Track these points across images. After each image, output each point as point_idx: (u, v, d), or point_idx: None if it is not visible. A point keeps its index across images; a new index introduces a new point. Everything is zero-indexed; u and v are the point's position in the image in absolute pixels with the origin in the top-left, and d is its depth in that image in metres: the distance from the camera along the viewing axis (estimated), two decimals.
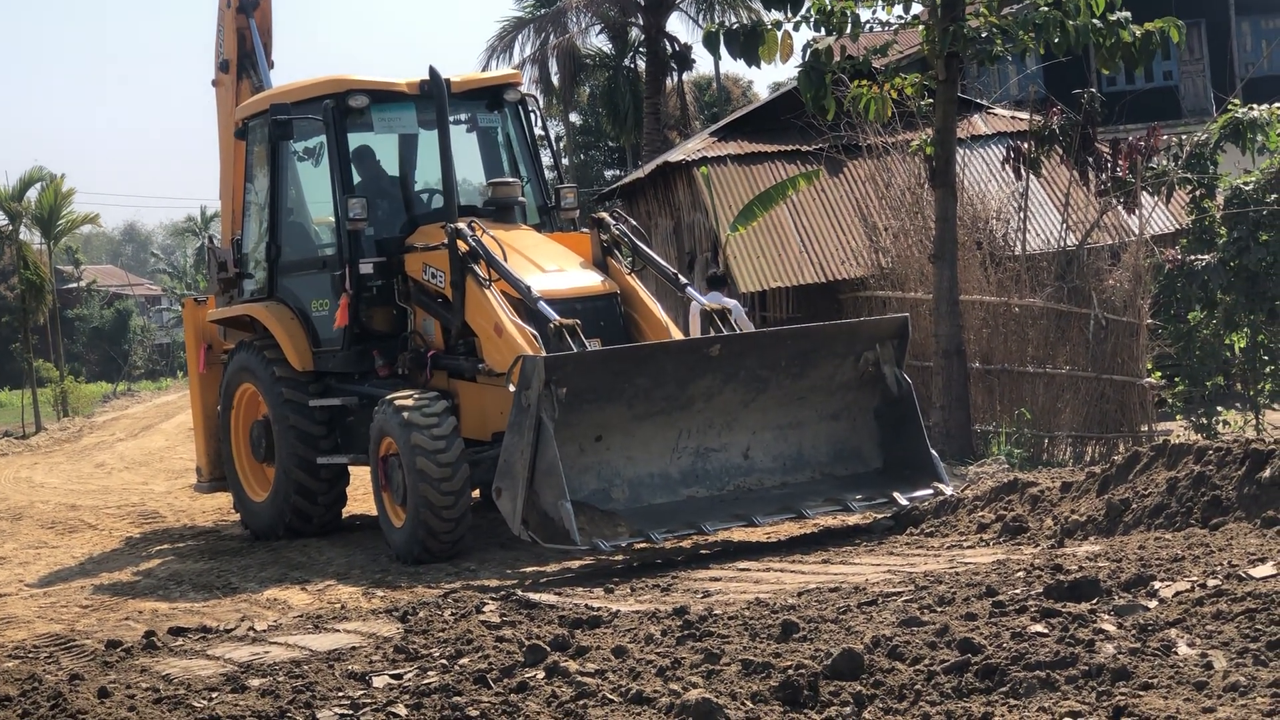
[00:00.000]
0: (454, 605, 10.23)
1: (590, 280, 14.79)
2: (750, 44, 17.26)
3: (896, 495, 13.36)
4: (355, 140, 16.05)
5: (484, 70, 50.39)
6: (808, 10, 17.22)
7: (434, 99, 15.47)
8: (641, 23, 49.94)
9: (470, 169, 16.78)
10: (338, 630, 9.98)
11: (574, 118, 64.05)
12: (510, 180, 16.02)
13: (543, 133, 16.91)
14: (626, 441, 12.99)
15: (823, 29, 17.58)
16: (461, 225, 14.61)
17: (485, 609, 9.91)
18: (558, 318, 13.54)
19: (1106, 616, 7.45)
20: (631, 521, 12.54)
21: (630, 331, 14.63)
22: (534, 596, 10.40)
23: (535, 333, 13.78)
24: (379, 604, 11.58)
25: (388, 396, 14.17)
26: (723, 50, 17.53)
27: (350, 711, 7.49)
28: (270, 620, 11.11)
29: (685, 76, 52.84)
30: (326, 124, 15.59)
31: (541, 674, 7.71)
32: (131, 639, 10.42)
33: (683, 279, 15.41)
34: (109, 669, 9.38)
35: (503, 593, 10.68)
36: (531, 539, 12.31)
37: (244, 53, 18.64)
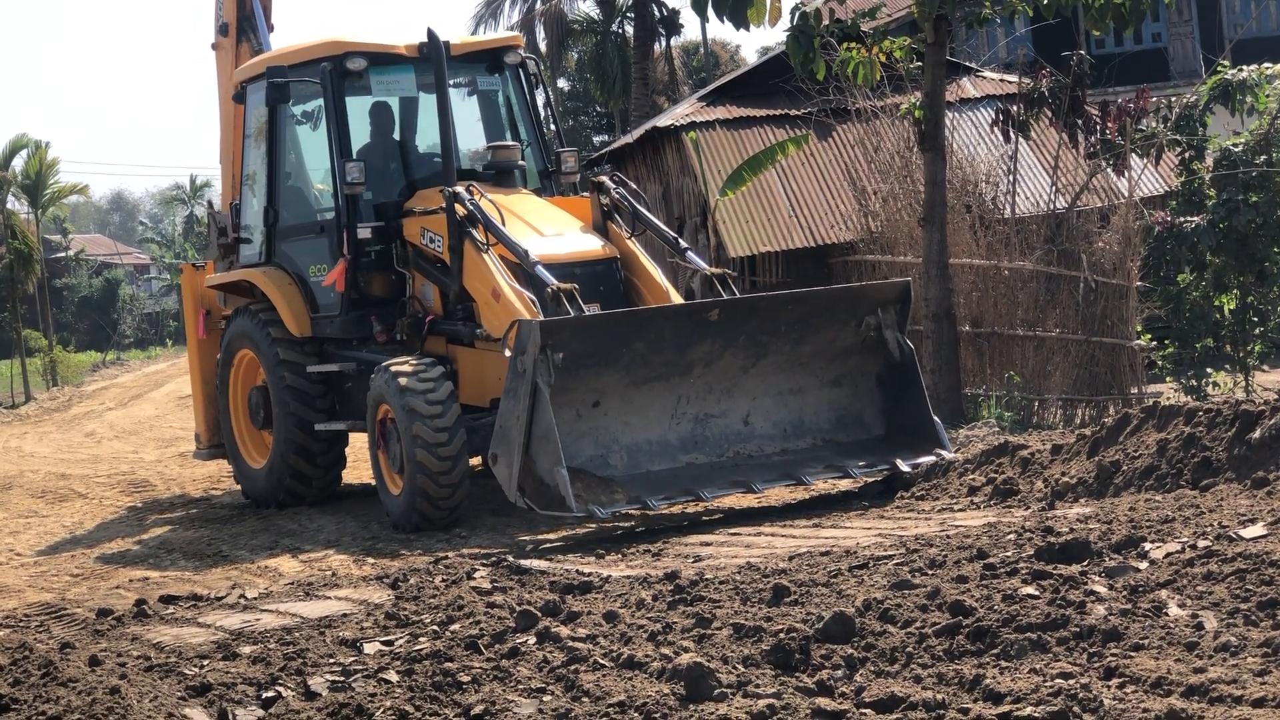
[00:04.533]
0: (445, 572, 10.23)
1: (590, 245, 14.68)
2: (739, 7, 17.18)
3: (899, 462, 13.26)
4: (362, 102, 15.92)
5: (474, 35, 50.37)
6: None
7: (433, 61, 15.30)
8: None
9: (470, 133, 16.60)
10: (329, 597, 9.98)
11: (562, 83, 63.93)
12: (510, 144, 15.90)
13: (544, 96, 16.75)
14: (624, 407, 12.90)
15: None
16: (460, 189, 14.49)
17: (476, 575, 9.91)
18: (555, 282, 13.42)
19: (1097, 578, 7.46)
20: (629, 488, 12.48)
21: (630, 296, 14.51)
22: (525, 562, 10.40)
23: (533, 297, 13.69)
24: (370, 571, 11.59)
25: (384, 363, 14.09)
26: (711, 14, 17.45)
27: (342, 678, 7.49)
28: (261, 588, 11.11)
29: (673, 41, 52.84)
30: (324, 87, 15.46)
31: (533, 639, 7.72)
32: (122, 607, 10.42)
33: (683, 243, 15.28)
34: (100, 637, 9.38)
35: (494, 559, 10.68)
36: (528, 505, 12.25)
37: (243, 15, 18.47)
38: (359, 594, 9.95)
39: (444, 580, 9.86)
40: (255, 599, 10.32)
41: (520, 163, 15.95)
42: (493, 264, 14.04)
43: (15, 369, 49.12)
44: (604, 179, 15.34)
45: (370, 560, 12.52)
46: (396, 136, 16.22)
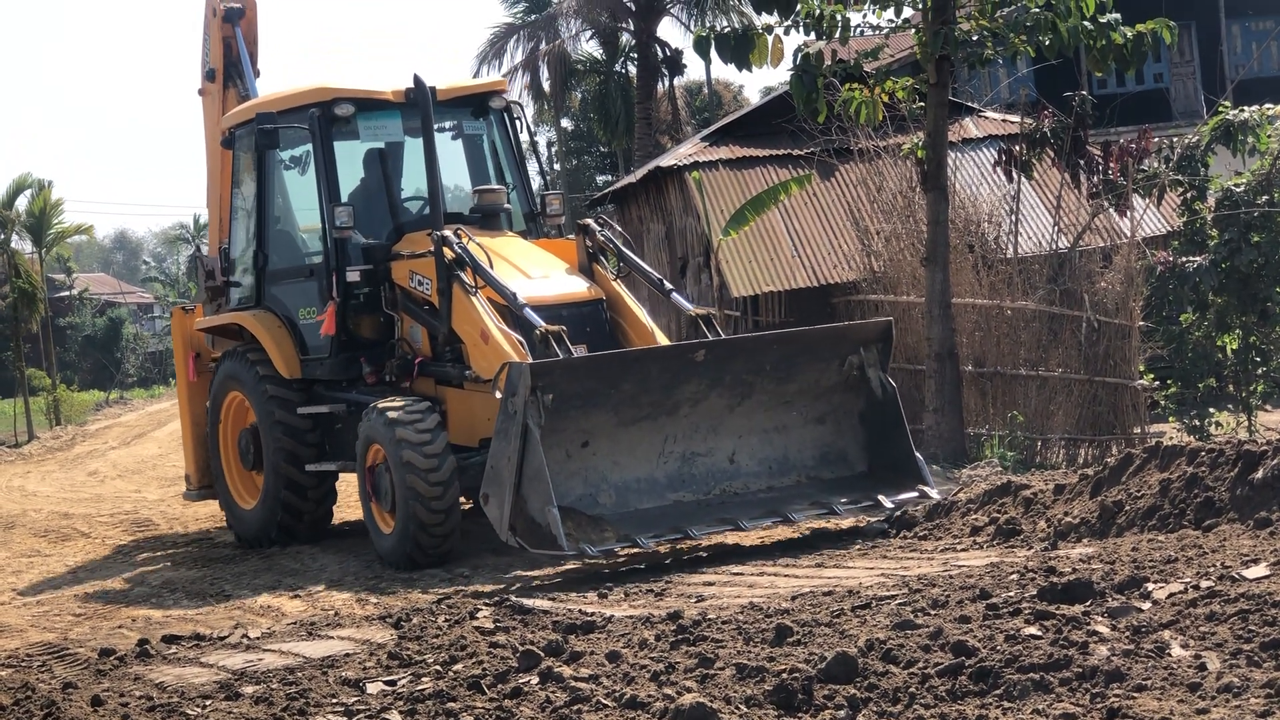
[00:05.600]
0: (448, 611, 10.23)
1: (576, 286, 14.85)
2: (741, 48, 17.25)
3: (882, 498, 13.46)
4: (349, 146, 16.07)
5: (475, 77, 50.50)
6: (799, 15, 17.21)
7: (419, 107, 15.42)
8: (632, 28, 49.99)
9: (456, 176, 16.80)
10: (331, 637, 9.98)
11: (565, 123, 64.04)
12: (496, 187, 16.09)
13: (528, 139, 16.94)
14: (613, 447, 13.05)
15: (814, 33, 17.60)
16: (448, 233, 14.62)
17: (479, 615, 9.91)
18: (543, 324, 13.56)
19: (1100, 618, 7.45)
20: (619, 526, 12.63)
21: (616, 337, 14.67)
22: (528, 602, 10.39)
23: (521, 339, 13.81)
24: (373, 610, 11.58)
25: (375, 403, 14.21)
26: (714, 55, 17.52)
27: (344, 718, 7.49)
28: (264, 627, 11.11)
29: (676, 81, 52.85)
30: (312, 133, 15.65)
31: (535, 679, 7.72)
32: (125, 647, 10.41)
33: (668, 284, 15.42)
34: (102, 677, 9.38)
35: (496, 598, 10.67)
36: (519, 545, 12.36)
37: (230, 61, 18.62)
38: (362, 633, 9.94)
39: (447, 620, 9.86)
40: (258, 639, 10.32)
41: (506, 205, 16.11)
42: (481, 306, 14.20)
43: (19, 408, 49.11)
44: (589, 221, 15.56)
45: (373, 600, 12.51)
46: (383, 181, 16.28)
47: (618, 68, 53.32)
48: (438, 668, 8.34)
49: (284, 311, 16.23)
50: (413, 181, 16.49)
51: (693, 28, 48.48)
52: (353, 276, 15.37)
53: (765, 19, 17.25)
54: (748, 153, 27.45)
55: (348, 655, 9.12)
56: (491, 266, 14.40)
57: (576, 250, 15.38)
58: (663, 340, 14.67)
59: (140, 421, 44.69)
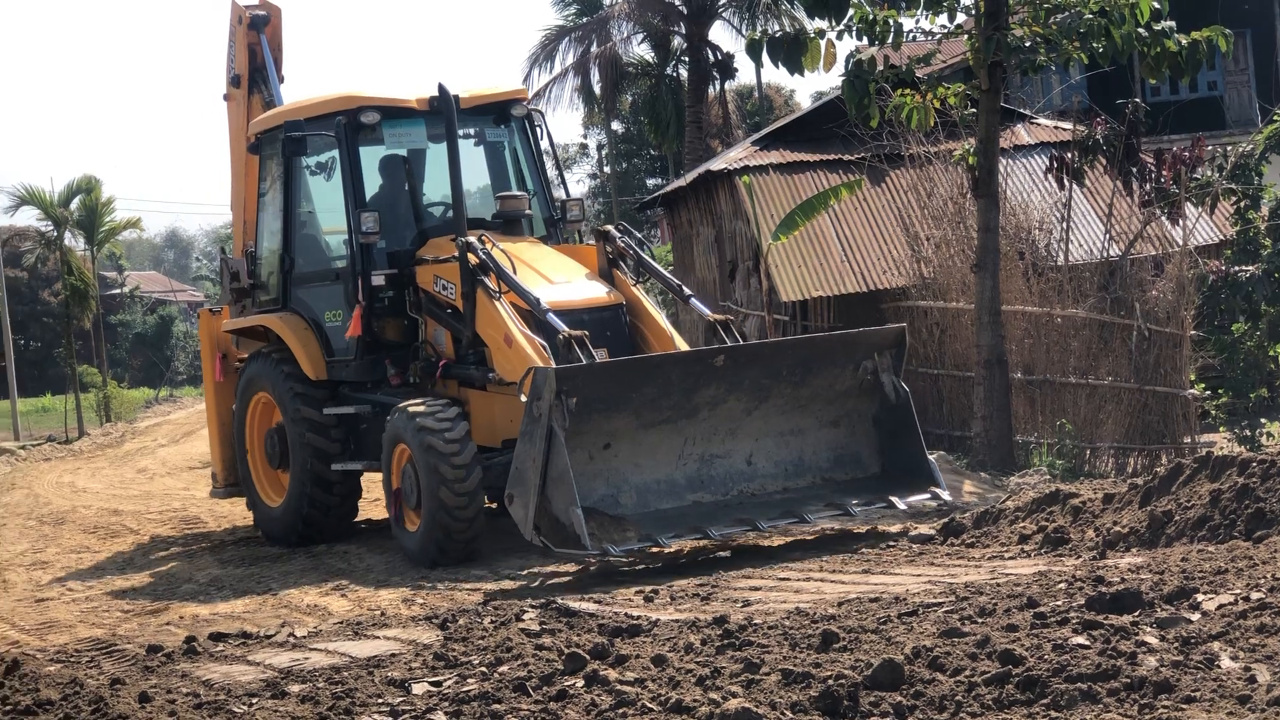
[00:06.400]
0: (494, 613, 10.24)
1: (596, 292, 15.16)
2: (793, 53, 17.24)
3: (894, 500, 13.87)
4: (374, 152, 16.38)
5: (525, 79, 50.67)
6: (851, 19, 17.18)
7: (443, 114, 15.66)
8: (684, 31, 49.93)
9: (478, 182, 17.15)
10: (378, 637, 10.00)
11: (616, 126, 64.09)
12: (518, 194, 16.39)
13: (549, 146, 17.27)
14: (634, 449, 13.43)
15: (866, 38, 17.57)
16: (472, 239, 14.94)
17: (525, 617, 9.91)
18: (566, 329, 13.93)
19: (1149, 629, 7.41)
20: (640, 526, 12.99)
21: (636, 341, 15.00)
22: (573, 604, 10.39)
23: (544, 343, 14.11)
24: (419, 611, 11.61)
25: (401, 404, 14.52)
26: (766, 59, 17.51)
27: (390, 718, 7.50)
28: (310, 626, 11.14)
29: (727, 85, 52.77)
30: (339, 140, 15.97)
31: (581, 682, 7.71)
32: (172, 644, 10.45)
33: (686, 290, 15.79)
34: (150, 674, 9.41)
35: (542, 601, 10.67)
36: (543, 544, 12.73)
37: (255, 67, 18.94)
38: (408, 634, 9.96)
39: (493, 621, 9.87)
40: (304, 638, 10.34)
41: (527, 211, 16.40)
42: (504, 311, 14.49)
43: (70, 404, 49.42)
44: (609, 228, 15.85)
45: (419, 600, 12.54)
46: (407, 187, 16.58)
47: (669, 71, 53.27)
48: (483, 669, 8.34)
49: (309, 314, 16.57)
50: (434, 187, 16.78)
51: (744, 31, 48.43)
52: (378, 280, 15.70)
53: (817, 23, 17.26)
54: (798, 157, 27.38)
55: (393, 655, 9.14)
56: (515, 272, 14.74)
57: (596, 256, 15.68)
58: (681, 345, 14.97)
59: (189, 419, 44.85)
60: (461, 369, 15.26)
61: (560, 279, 15.07)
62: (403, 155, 16.49)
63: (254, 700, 8.24)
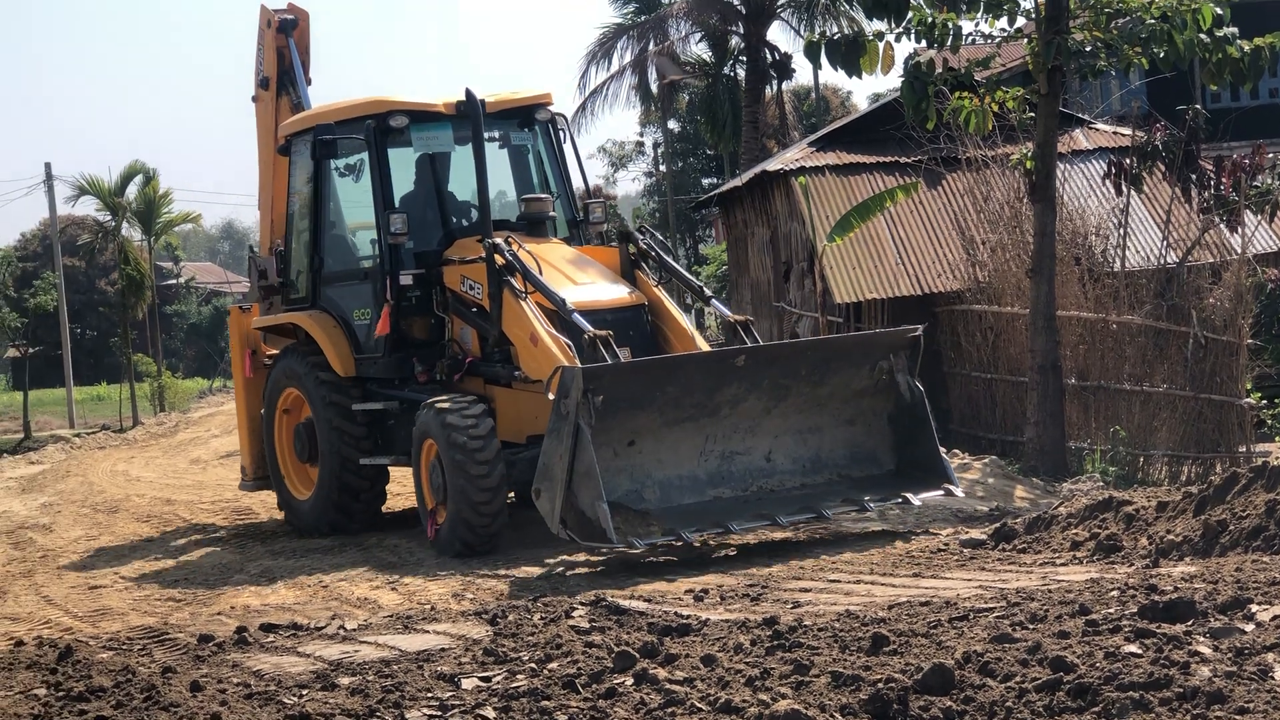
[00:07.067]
0: (543, 609, 10.25)
1: (619, 292, 15.50)
2: (851, 54, 17.22)
3: (909, 496, 14.34)
4: (401, 154, 16.75)
5: (582, 76, 50.76)
6: (910, 22, 17.16)
7: (470, 118, 16.04)
8: (742, 31, 49.88)
9: (502, 184, 17.41)
10: (427, 631, 10.02)
11: (672, 125, 64.10)
12: (543, 196, 16.75)
13: (572, 150, 17.51)
14: (657, 446, 13.78)
15: (925, 41, 17.52)
16: (499, 240, 15.29)
17: (575, 614, 9.92)
18: (591, 329, 14.24)
19: (1202, 638, 7.36)
20: (663, 520, 13.38)
21: (657, 341, 15.37)
22: (623, 602, 10.39)
23: (569, 342, 14.48)
24: (469, 606, 11.63)
25: (429, 400, 14.96)
26: (824, 60, 17.50)
27: (439, 713, 7.52)
28: (360, 619, 11.18)
29: (784, 86, 52.68)
30: (368, 143, 16.34)
31: (630, 680, 7.71)
32: (223, 634, 10.51)
33: (707, 291, 16.30)
34: (201, 663, 9.47)
35: (592, 598, 10.68)
36: (570, 537, 13.16)
37: (283, 70, 19.26)
38: (457, 629, 9.97)
39: (543, 618, 9.88)
40: (354, 630, 10.38)
41: (551, 213, 16.77)
42: (530, 310, 14.87)
43: (124, 393, 49.73)
44: (631, 230, 16.24)
45: (469, 595, 12.57)
46: (433, 188, 16.94)
47: (726, 71, 53.25)
48: (533, 665, 8.35)
49: (338, 312, 16.95)
50: (459, 189, 17.13)
51: (802, 32, 48.33)
52: (406, 280, 16.08)
53: (876, 25, 17.25)
54: (855, 159, 27.31)
55: (443, 650, 9.15)
56: (540, 273, 15.09)
57: (619, 257, 16.00)
58: (702, 345, 15.39)
59: None
60: (487, 367, 15.66)
61: (584, 280, 15.43)
62: (427, 157, 16.86)
63: (304, 692, 8.27)
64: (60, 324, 58.47)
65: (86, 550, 17.37)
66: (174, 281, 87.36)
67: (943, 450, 15.11)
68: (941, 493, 14.50)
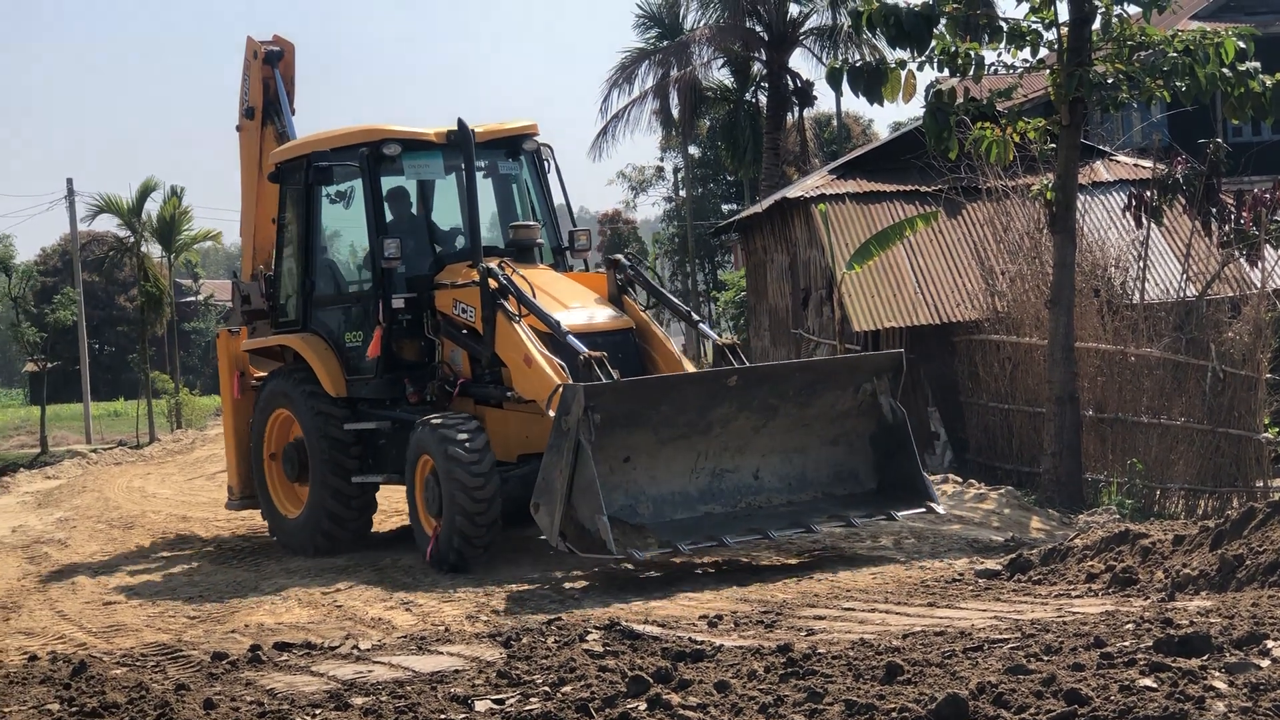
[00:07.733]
0: (558, 633, 10.25)
1: (609, 316, 16.09)
2: (874, 82, 17.23)
3: (893, 513, 14.86)
4: (392, 182, 17.18)
5: (604, 100, 50.88)
6: (933, 51, 17.15)
7: (461, 148, 16.39)
8: (764, 58, 49.97)
9: (488, 211, 17.75)
10: (441, 652, 10.02)
11: (693, 150, 64.12)
12: (530, 224, 17.25)
13: (557, 179, 17.88)
14: (651, 462, 14.29)
15: (947, 70, 17.53)
16: (492, 265, 15.76)
17: (589, 637, 9.92)
18: (586, 350, 14.71)
19: (1217, 674, 7.34)
20: (658, 534, 13.85)
21: (645, 363, 15.85)
22: (638, 627, 10.39)
23: (563, 364, 14.86)
24: (483, 628, 11.63)
25: (424, 418, 15.36)
26: (845, 87, 17.51)
27: None
28: (374, 639, 11.19)
29: (806, 113, 52.72)
30: (362, 170, 16.77)
31: (644, 705, 7.70)
32: (237, 652, 10.52)
33: (695, 315, 17.12)
34: (214, 680, 9.47)
35: (606, 622, 10.68)
36: (569, 550, 13.52)
37: (268, 100, 19.63)
38: (471, 650, 9.98)
39: (556, 641, 9.88)
40: (368, 650, 10.38)
41: (539, 240, 17.23)
42: (524, 333, 15.23)
43: (141, 409, 49.79)
44: (619, 256, 16.78)
45: (483, 617, 12.57)
46: (425, 215, 17.48)
47: (748, 97, 53.30)
48: (546, 689, 8.34)
49: (329, 334, 17.29)
50: (444, 216, 17.63)
51: (824, 60, 48.42)
52: (398, 304, 16.47)
53: (899, 54, 17.21)
54: (875, 187, 27.32)
55: (457, 672, 9.15)
56: (534, 297, 15.48)
57: (606, 282, 16.52)
58: (689, 366, 15.88)
59: None
60: (478, 388, 16.10)
61: (575, 303, 15.92)
62: (416, 186, 17.39)
63: (317, 711, 8.28)
64: (79, 339, 58.61)
65: (101, 566, 17.39)
66: (193, 299, 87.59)
67: (924, 470, 15.55)
68: (923, 509, 14.96)
